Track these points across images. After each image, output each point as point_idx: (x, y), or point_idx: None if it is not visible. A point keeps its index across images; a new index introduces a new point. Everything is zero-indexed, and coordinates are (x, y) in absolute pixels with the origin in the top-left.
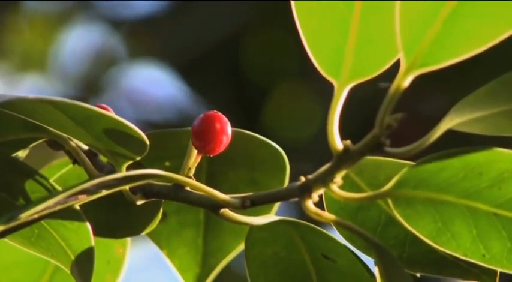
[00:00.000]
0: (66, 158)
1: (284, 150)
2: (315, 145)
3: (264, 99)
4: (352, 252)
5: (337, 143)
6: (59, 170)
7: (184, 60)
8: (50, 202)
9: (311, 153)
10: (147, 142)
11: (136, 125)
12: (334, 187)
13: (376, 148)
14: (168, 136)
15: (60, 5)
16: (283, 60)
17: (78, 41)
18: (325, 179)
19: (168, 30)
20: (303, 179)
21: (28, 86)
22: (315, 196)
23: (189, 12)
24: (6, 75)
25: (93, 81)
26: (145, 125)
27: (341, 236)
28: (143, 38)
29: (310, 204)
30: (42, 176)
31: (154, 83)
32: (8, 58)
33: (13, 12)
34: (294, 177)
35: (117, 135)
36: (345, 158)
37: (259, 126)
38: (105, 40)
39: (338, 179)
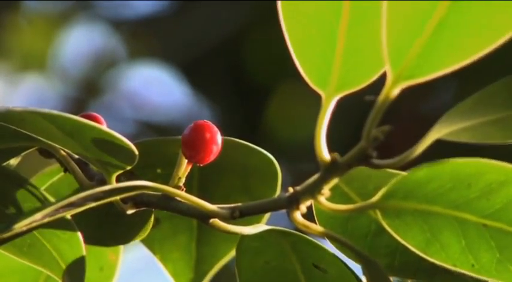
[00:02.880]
0: (58, 165)
1: (286, 150)
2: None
3: (266, 98)
4: (343, 262)
5: (325, 154)
6: (51, 177)
7: (185, 60)
8: (38, 216)
9: (313, 152)
10: (136, 152)
11: (136, 126)
12: (322, 199)
13: (363, 160)
14: (159, 144)
15: (60, 5)
16: (285, 59)
17: (79, 41)
18: (313, 191)
19: (169, 31)
20: (291, 190)
21: (28, 86)
22: (303, 207)
23: (190, 13)
24: (6, 75)
25: (93, 82)
26: (145, 126)
27: (331, 245)
28: (144, 39)
29: (298, 215)
30: (33, 185)
31: (154, 84)
32: (8, 58)
33: (13, 12)
34: (296, 177)
35: (106, 145)
36: (333, 170)
37: (261, 125)
38: (105, 40)
39: (326, 190)
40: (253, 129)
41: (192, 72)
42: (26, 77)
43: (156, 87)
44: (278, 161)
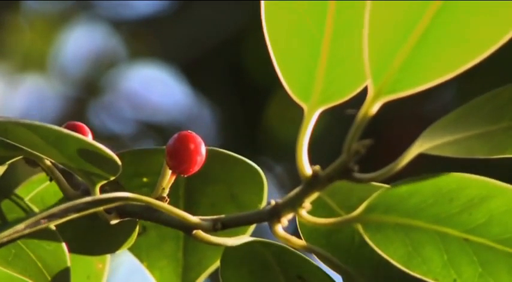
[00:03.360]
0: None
1: (286, 150)
2: (317, 145)
3: (266, 98)
4: (326, 274)
5: (306, 168)
6: (38, 185)
7: (185, 60)
8: (21, 226)
9: (313, 153)
10: (119, 163)
11: (136, 126)
12: (303, 212)
13: (345, 174)
14: (145, 154)
15: (60, 5)
16: None
17: (79, 41)
18: (294, 204)
19: (169, 31)
20: (273, 202)
21: (28, 86)
22: (284, 221)
23: (190, 13)
24: (6, 75)
25: (93, 82)
26: (145, 126)
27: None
28: (144, 39)
29: (279, 228)
30: (18, 196)
31: (155, 84)
32: (8, 58)
33: (13, 12)
34: (295, 177)
35: (89, 155)
36: (314, 184)
37: (261, 125)
38: (105, 40)
39: (307, 203)
40: (253, 129)
41: (192, 72)
42: (26, 77)
43: (156, 87)
44: (278, 161)
